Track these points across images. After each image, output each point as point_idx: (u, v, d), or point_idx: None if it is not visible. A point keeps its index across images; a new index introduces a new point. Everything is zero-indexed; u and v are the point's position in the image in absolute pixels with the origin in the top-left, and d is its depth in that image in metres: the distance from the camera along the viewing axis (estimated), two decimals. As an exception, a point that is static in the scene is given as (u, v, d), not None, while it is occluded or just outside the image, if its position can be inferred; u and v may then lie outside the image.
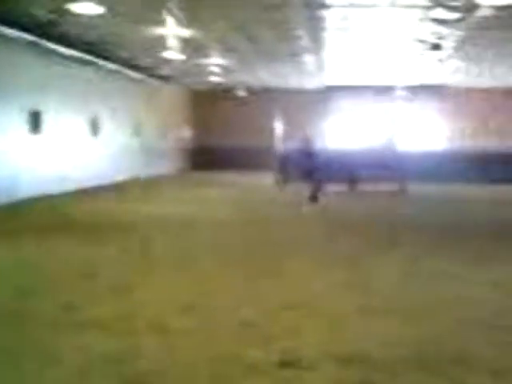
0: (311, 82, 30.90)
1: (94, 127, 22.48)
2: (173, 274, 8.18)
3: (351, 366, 4.80)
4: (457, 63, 23.55)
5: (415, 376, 4.64)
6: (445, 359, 4.97)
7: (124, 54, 21.61)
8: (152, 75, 27.00)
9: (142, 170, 27.05)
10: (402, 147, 22.88)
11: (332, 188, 20.07)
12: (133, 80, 25.77)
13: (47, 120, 18.84)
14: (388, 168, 20.76)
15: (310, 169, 18.23)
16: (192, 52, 20.88)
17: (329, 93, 34.10)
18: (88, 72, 21.71)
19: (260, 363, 4.84)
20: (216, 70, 25.69)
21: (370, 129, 34.17)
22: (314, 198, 17.52)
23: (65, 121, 20.18)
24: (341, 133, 34.86)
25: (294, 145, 21.58)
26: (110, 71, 23.16)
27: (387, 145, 21.91)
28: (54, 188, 18.90)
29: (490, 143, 29.71)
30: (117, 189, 21.41)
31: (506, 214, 15.50)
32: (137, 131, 27.07)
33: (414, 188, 20.82)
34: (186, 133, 35.10)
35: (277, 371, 4.71)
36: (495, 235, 11.85)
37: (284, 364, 4.82)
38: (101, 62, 21.48)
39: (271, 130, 27.75)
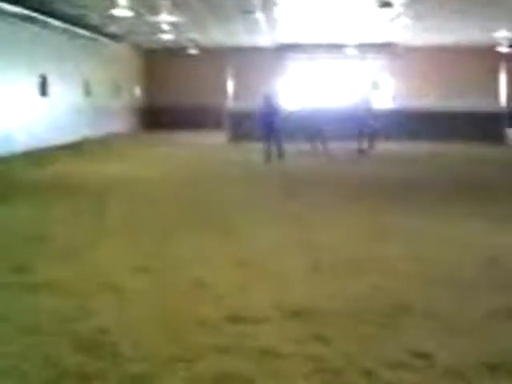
0: (263, 40, 30.73)
1: (43, 87, 22.08)
2: (125, 235, 8.20)
3: (300, 320, 4.94)
4: (406, 21, 23.67)
5: (359, 325, 4.81)
6: (386, 310, 5.15)
7: (72, 12, 21.15)
8: (101, 33, 26.52)
9: (93, 130, 26.71)
10: (375, 105, 22.59)
11: (297, 147, 20.11)
12: (82, 38, 25.27)
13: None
14: (360, 126, 20.41)
15: (271, 128, 18.07)
16: (141, 9, 20.56)
17: (281, 51, 33.98)
18: (35, 30, 21.21)
19: (210, 319, 4.95)
20: (167, 27, 25.36)
21: (323, 87, 34.25)
22: (279, 156, 17.57)
23: (11, 80, 19.75)
24: (295, 91, 34.85)
25: (255, 103, 21.30)
26: (58, 29, 22.66)
27: (361, 103, 21.43)
28: (3, 148, 18.58)
29: (440, 101, 30.03)
30: (66, 150, 21.14)
31: (461, 169, 15.83)
32: (87, 91, 26.66)
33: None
34: (138, 92, 34.70)
35: (227, 326, 4.82)
36: (450, 190, 12.13)
37: (234, 319, 4.94)
38: (48, 19, 20.99)
39: (224, 89, 27.62)
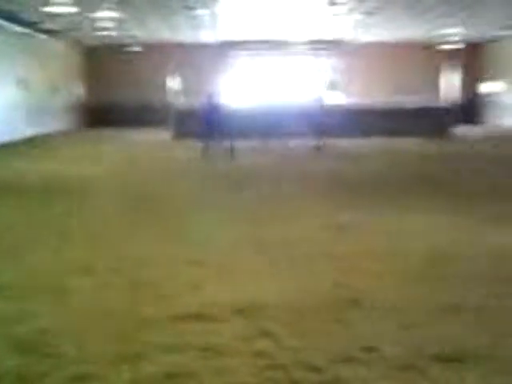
0: (207, 36, 30.57)
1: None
2: (62, 236, 7.99)
3: (249, 317, 4.90)
4: (356, 17, 23.86)
5: (307, 321, 4.81)
6: (337, 304, 5.16)
7: (6, 7, 20.64)
8: (39, 30, 25.93)
9: (31, 129, 26.13)
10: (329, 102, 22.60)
11: (245, 144, 20.09)
12: (17, 35, 24.67)
13: None
14: (310, 124, 20.44)
15: (213, 125, 18.09)
16: (81, 5, 20.21)
17: (225, 47, 33.91)
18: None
19: (157, 318, 4.87)
20: (108, 24, 25.00)
21: (268, 84, 34.33)
22: (231, 153, 17.53)
23: None
24: (239, 89, 34.84)
25: (199, 101, 21.20)
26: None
27: (316, 100, 21.41)
28: None
29: (389, 98, 30.38)
30: (2, 149, 20.62)
31: (412, 164, 16.10)
32: (24, 88, 26.04)
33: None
34: (80, 89, 34.15)
35: (172, 324, 4.75)
36: (403, 185, 12.31)
37: (181, 318, 4.86)
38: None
39: (167, 86, 27.39)
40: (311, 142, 20.09)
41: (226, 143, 17.86)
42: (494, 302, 5.22)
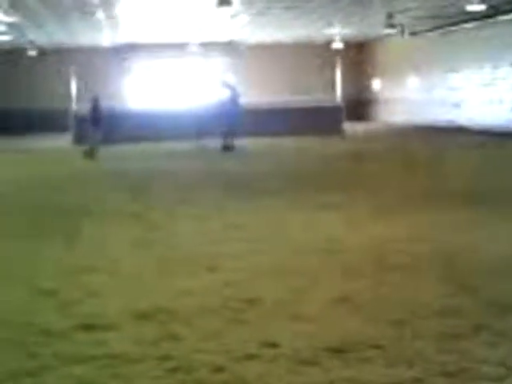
0: (105, 40, 30.16)
1: None
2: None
3: (151, 321, 4.92)
4: (245, 18, 24.10)
5: (208, 322, 4.87)
6: (236, 304, 5.23)
7: None
8: None
9: None
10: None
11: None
12: None
13: None
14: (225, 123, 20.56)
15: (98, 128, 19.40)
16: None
17: (125, 51, 33.55)
18: None
19: (56, 328, 4.81)
20: (3, 28, 24.28)
21: (167, 87, 34.23)
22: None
23: None
24: (140, 92, 34.57)
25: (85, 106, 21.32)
26: None
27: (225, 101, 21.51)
28: None
29: (282, 97, 30.78)
30: None
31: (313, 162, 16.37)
32: None
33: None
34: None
35: (74, 334, 4.71)
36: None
37: (82, 327, 4.82)
38: None
39: (67, 92, 26.89)
40: (225, 141, 20.25)
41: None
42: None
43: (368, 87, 36.82)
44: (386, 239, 7.37)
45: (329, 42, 32.70)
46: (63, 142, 24.55)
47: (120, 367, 4.11)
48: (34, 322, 4.95)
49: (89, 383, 3.90)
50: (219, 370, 4.02)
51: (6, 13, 20.87)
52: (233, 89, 21.09)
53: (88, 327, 4.81)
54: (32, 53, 31.71)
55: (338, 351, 4.23)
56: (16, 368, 4.13)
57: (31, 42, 29.52)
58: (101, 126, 19.45)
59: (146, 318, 4.99)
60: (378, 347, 4.27)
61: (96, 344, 4.49)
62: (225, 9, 17.96)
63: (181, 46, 32.41)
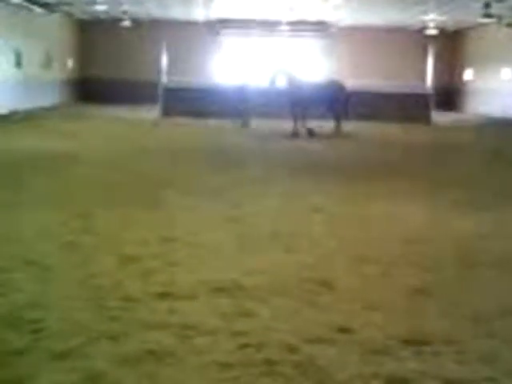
0: (197, 14, 30.45)
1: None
2: (47, 211, 8.07)
3: (226, 295, 5.01)
4: (339, 1, 23.85)
5: (282, 302, 4.91)
6: (310, 286, 5.26)
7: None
8: (34, 2, 25.77)
9: (24, 103, 26.06)
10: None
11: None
12: (12, 6, 24.51)
13: None
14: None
15: None
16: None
17: (216, 26, 33.78)
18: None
19: (137, 295, 4.96)
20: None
21: (255, 63, 34.27)
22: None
23: None
24: (228, 68, 34.75)
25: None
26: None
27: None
28: None
29: (371, 82, 30.40)
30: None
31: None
32: (17, 61, 25.95)
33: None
34: (71, 64, 33.97)
35: (152, 301, 4.84)
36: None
37: (161, 295, 4.95)
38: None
39: (158, 63, 27.29)
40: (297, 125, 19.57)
41: None
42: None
43: (459, 76, 35.94)
44: (470, 234, 7.24)
45: (422, 29, 32.04)
46: (151, 113, 24.95)
47: (193, 338, 4.21)
48: (118, 288, 5.13)
49: (163, 351, 4.01)
50: (291, 350, 4.06)
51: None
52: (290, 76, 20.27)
53: (166, 295, 4.94)
54: (126, 23, 32.38)
55: (410, 343, 4.21)
56: (98, 331, 4.28)
57: (126, 13, 30.14)
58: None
59: (221, 291, 5.09)
60: (451, 342, 4.23)
61: (172, 312, 4.62)
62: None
63: (272, 24, 32.41)
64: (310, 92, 19.49)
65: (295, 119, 19.16)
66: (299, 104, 19.31)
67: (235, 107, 21.61)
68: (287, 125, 19.82)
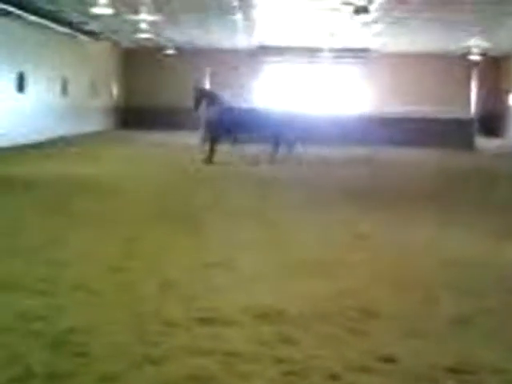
0: (239, 41, 30.76)
1: (20, 83, 21.95)
2: (95, 232, 8.19)
3: (268, 322, 5.01)
4: (381, 27, 23.86)
5: (324, 328, 4.89)
6: (353, 313, 5.24)
7: (50, 8, 21.02)
8: (80, 31, 26.34)
9: (69, 128, 26.55)
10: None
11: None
12: (60, 35, 25.07)
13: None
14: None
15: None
16: (121, 7, 20.51)
17: (258, 53, 34.06)
18: (13, 25, 21.06)
19: (179, 320, 4.99)
20: (145, 26, 25.29)
21: (296, 90, 34.50)
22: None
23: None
24: (270, 94, 34.98)
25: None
26: (37, 25, 22.45)
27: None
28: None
29: (412, 107, 30.25)
30: (38, 148, 20.90)
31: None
32: (64, 88, 26.52)
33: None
34: (116, 91, 34.56)
35: (196, 327, 4.86)
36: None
37: (202, 320, 4.98)
38: (26, 15, 20.77)
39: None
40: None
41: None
42: None
43: (504, 101, 35.49)
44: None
45: (465, 54, 31.84)
46: (194, 139, 25.18)
47: (236, 365, 4.21)
48: (161, 313, 5.17)
49: (205, 376, 4.02)
50: (334, 378, 4.04)
51: (149, 11, 21.74)
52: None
53: (208, 321, 4.96)
54: (169, 51, 32.85)
55: (455, 371, 4.15)
56: (140, 355, 4.32)
57: (171, 41, 30.57)
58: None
59: (263, 317, 5.09)
60: (496, 371, 4.16)
61: (214, 339, 4.63)
62: (361, 16, 17.86)
63: (313, 51, 32.54)
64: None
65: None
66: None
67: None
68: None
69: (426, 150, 23.17)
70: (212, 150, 17.60)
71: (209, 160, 17.33)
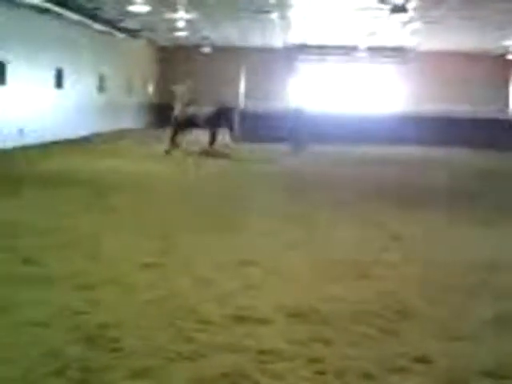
0: (275, 40, 30.73)
1: (59, 79, 22.22)
2: (130, 230, 8.25)
3: (302, 321, 4.99)
4: (418, 26, 23.64)
5: (359, 329, 4.85)
6: (387, 313, 5.19)
7: (89, 5, 21.24)
8: (118, 28, 26.55)
9: (106, 125, 26.80)
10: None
11: None
12: (98, 32, 25.31)
13: (11, 71, 18.59)
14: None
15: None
16: (158, 5, 20.64)
17: (294, 52, 34.00)
18: (52, 23, 21.31)
19: (213, 317, 5.00)
20: (182, 24, 25.42)
21: (333, 89, 34.40)
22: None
23: (28, 72, 19.86)
24: (305, 93, 34.90)
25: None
26: (75, 22, 22.70)
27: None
28: (15, 141, 18.64)
29: (450, 107, 29.97)
30: (75, 144, 21.14)
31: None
32: (101, 85, 26.78)
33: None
34: (152, 88, 34.77)
35: (231, 325, 4.86)
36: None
37: (237, 318, 4.98)
38: (65, 12, 21.01)
39: (236, 89, 27.64)
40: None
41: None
42: None
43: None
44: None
45: (503, 54, 31.42)
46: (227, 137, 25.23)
47: (269, 363, 4.20)
48: (195, 310, 5.18)
49: (239, 374, 4.02)
50: (368, 377, 4.01)
51: (185, 10, 21.84)
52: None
53: (242, 319, 4.96)
54: (206, 49, 32.96)
55: (492, 375, 4.09)
56: (174, 351, 4.33)
57: (206, 39, 30.68)
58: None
59: (298, 316, 5.07)
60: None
61: (249, 336, 4.63)
62: (399, 16, 17.73)
63: (349, 50, 32.40)
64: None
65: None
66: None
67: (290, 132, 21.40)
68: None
69: (462, 150, 22.84)
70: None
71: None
